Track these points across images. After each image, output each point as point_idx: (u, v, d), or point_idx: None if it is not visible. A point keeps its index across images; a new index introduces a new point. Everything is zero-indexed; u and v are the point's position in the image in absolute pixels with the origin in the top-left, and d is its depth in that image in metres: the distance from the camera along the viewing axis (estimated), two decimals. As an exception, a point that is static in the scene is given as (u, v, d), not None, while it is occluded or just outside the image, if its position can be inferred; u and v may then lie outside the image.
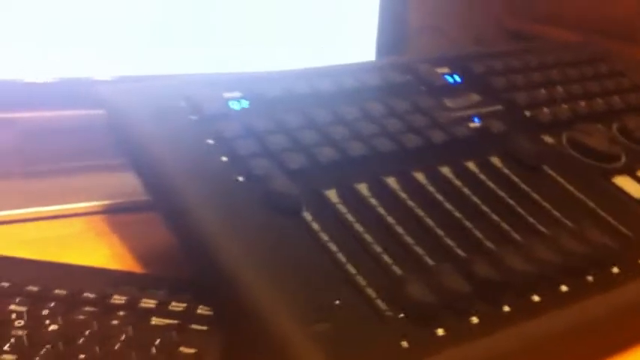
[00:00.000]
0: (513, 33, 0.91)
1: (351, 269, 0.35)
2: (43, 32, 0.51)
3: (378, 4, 0.59)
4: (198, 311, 0.35)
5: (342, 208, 0.38)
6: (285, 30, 0.58)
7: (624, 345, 0.38)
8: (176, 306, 0.35)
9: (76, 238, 0.45)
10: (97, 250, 0.44)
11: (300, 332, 0.31)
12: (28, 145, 0.51)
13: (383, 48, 0.59)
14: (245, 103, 0.45)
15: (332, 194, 0.39)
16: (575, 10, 0.83)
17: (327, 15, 0.59)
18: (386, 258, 0.35)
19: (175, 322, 0.34)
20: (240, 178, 0.39)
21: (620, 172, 0.47)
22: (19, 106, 0.50)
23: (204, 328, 0.34)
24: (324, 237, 0.36)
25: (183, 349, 0.32)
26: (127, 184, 0.43)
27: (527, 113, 0.51)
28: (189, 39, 0.56)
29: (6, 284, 0.36)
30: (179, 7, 0.55)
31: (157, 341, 0.32)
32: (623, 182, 0.45)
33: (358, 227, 0.37)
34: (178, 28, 0.55)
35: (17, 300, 0.34)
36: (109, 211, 0.48)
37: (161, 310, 0.34)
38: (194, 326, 0.34)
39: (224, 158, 0.40)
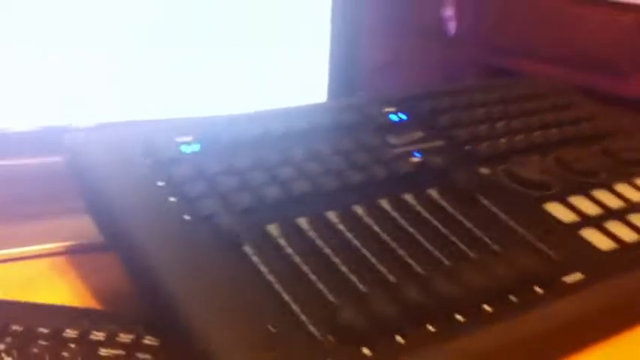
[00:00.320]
0: (490, 69, 0.94)
1: (287, 297, 0.37)
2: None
3: (329, 48, 0.62)
4: (145, 342, 0.37)
5: (282, 242, 0.41)
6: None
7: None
8: (124, 338, 0.37)
9: (39, 278, 0.47)
10: (59, 289, 0.46)
11: (236, 356, 0.34)
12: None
13: (335, 90, 0.62)
14: (197, 147, 0.48)
15: (273, 229, 0.42)
16: (554, 44, 0.86)
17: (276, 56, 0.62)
18: (321, 286, 0.38)
19: (122, 352, 0.36)
20: (188, 218, 0.42)
21: (552, 199, 0.49)
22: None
23: (149, 357, 0.36)
24: (264, 269, 0.39)
25: (129, 377, 0.35)
26: (89, 227, 0.45)
27: (467, 147, 0.54)
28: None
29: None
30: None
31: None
32: (554, 208, 0.48)
33: (296, 259, 0.40)
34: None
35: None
36: (71, 252, 0.50)
37: (109, 342, 0.37)
38: (139, 355, 0.36)
39: (173, 199, 0.43)
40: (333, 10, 0.61)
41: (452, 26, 0.95)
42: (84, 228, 0.49)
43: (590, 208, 0.49)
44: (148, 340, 0.38)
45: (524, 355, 0.40)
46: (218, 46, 0.59)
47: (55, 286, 0.47)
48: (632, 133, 0.60)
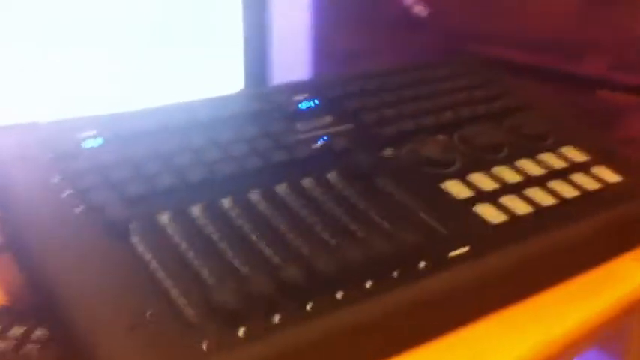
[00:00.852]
0: (456, 55, 0.95)
1: (168, 283, 0.38)
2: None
3: (242, 42, 0.63)
4: (36, 333, 0.39)
5: (171, 230, 0.42)
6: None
7: (427, 336, 0.42)
8: (16, 330, 0.38)
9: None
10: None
11: (114, 340, 0.35)
12: None
13: (250, 80, 0.63)
14: (100, 141, 0.49)
15: (164, 217, 0.43)
16: (512, 29, 0.88)
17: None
18: (203, 271, 0.39)
19: (13, 343, 0.37)
20: (79, 209, 0.43)
21: (452, 177, 0.51)
22: None
23: (38, 347, 0.37)
24: (148, 256, 0.40)
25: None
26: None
27: (374, 130, 0.55)
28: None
29: None
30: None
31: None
32: (451, 186, 0.50)
33: (182, 246, 0.41)
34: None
35: None
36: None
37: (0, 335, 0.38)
38: (29, 346, 0.37)
39: (67, 192, 0.44)
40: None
41: (420, 10, 0.96)
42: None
43: (487, 184, 0.50)
44: (40, 332, 0.39)
45: (404, 329, 0.41)
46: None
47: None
48: (543, 109, 0.62)
